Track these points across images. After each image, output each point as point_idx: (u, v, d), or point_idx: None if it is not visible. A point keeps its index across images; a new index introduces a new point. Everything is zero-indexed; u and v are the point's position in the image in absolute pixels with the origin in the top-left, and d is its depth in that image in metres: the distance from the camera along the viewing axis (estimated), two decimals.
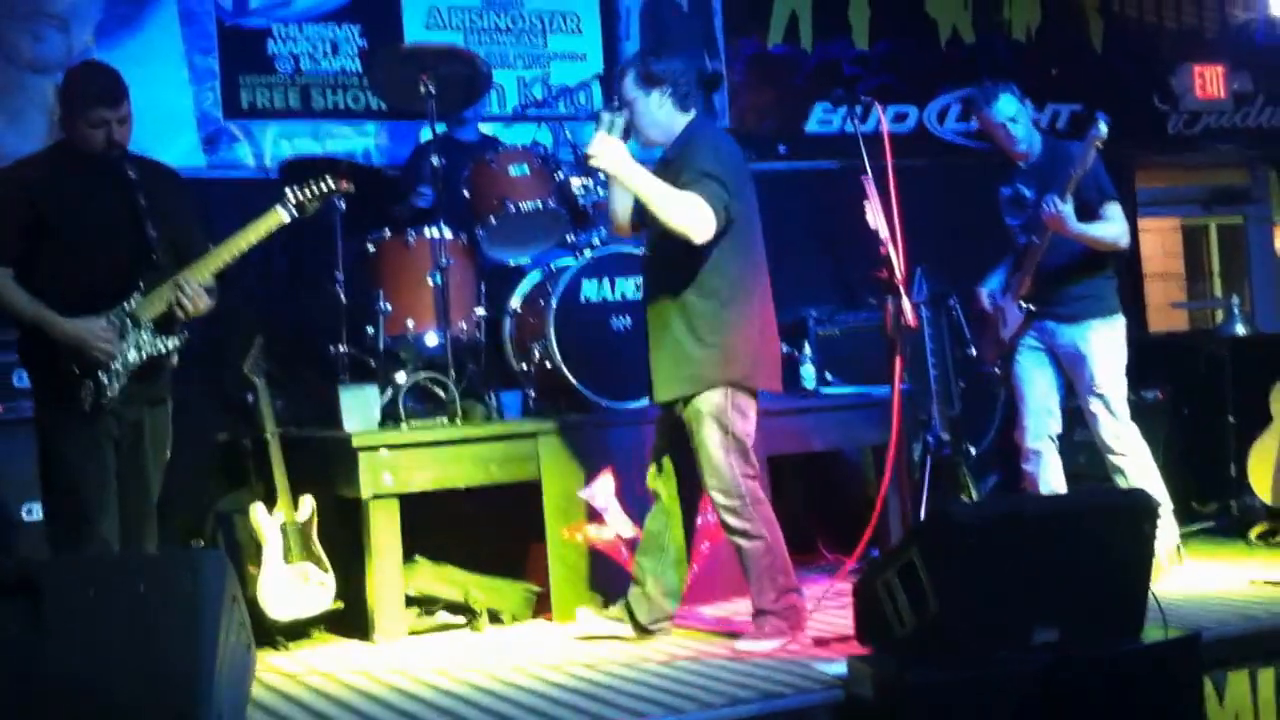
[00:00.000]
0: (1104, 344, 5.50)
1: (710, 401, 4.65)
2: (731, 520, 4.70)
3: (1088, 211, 5.38)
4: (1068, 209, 5.27)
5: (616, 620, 4.95)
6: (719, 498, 4.70)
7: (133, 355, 4.36)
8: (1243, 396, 6.77)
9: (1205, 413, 6.85)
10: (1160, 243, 9.60)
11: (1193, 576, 5.54)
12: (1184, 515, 5.77)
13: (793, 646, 4.63)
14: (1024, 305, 5.55)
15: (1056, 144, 5.68)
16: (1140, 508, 4.21)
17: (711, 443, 4.65)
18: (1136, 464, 5.51)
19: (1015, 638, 3.93)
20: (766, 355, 4.80)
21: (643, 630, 4.90)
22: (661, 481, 4.89)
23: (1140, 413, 5.77)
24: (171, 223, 4.48)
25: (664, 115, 4.72)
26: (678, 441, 4.78)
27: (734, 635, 4.83)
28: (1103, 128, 5.22)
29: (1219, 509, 6.74)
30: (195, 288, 4.39)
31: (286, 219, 4.51)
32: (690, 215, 4.52)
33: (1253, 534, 6.31)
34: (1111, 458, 5.53)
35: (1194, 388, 6.97)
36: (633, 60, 4.92)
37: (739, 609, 5.16)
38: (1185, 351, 7.40)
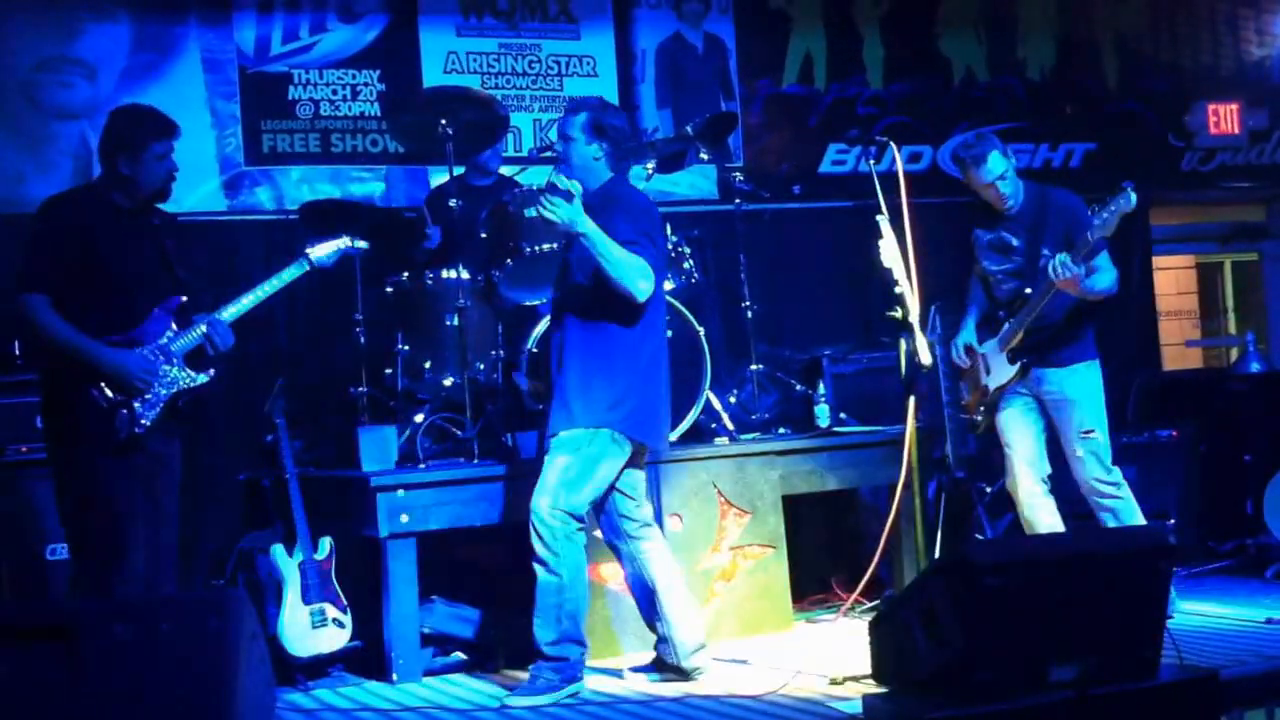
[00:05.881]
0: (1089, 388, 5.47)
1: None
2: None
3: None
4: (1083, 273, 5.19)
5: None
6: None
7: (166, 388, 4.54)
8: (1259, 434, 6.78)
9: (1221, 451, 6.85)
10: (1175, 280, 9.60)
11: (1210, 615, 5.54)
12: (1201, 554, 5.76)
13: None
14: (1018, 358, 5.49)
15: (1045, 192, 5.58)
16: (1157, 546, 4.22)
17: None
18: (1126, 505, 5.47)
19: (1033, 676, 3.94)
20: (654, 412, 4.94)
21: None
22: None
23: (1155, 451, 5.75)
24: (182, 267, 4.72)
25: (596, 166, 4.89)
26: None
27: None
28: (1133, 198, 5.07)
29: (1236, 547, 6.73)
30: (225, 326, 4.66)
31: (307, 268, 4.93)
32: (640, 278, 4.69)
33: (1270, 572, 6.32)
34: (1100, 500, 5.47)
35: (1210, 426, 6.96)
36: (589, 104, 5.03)
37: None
38: (1201, 389, 7.40)
